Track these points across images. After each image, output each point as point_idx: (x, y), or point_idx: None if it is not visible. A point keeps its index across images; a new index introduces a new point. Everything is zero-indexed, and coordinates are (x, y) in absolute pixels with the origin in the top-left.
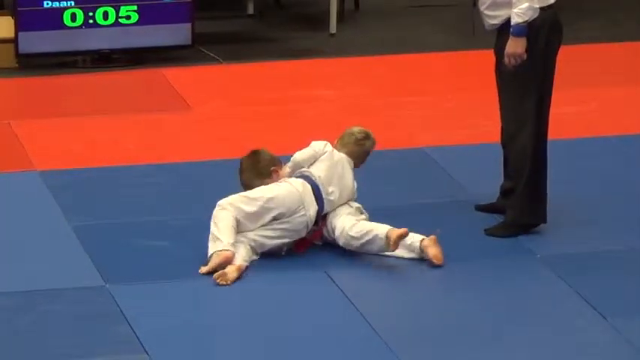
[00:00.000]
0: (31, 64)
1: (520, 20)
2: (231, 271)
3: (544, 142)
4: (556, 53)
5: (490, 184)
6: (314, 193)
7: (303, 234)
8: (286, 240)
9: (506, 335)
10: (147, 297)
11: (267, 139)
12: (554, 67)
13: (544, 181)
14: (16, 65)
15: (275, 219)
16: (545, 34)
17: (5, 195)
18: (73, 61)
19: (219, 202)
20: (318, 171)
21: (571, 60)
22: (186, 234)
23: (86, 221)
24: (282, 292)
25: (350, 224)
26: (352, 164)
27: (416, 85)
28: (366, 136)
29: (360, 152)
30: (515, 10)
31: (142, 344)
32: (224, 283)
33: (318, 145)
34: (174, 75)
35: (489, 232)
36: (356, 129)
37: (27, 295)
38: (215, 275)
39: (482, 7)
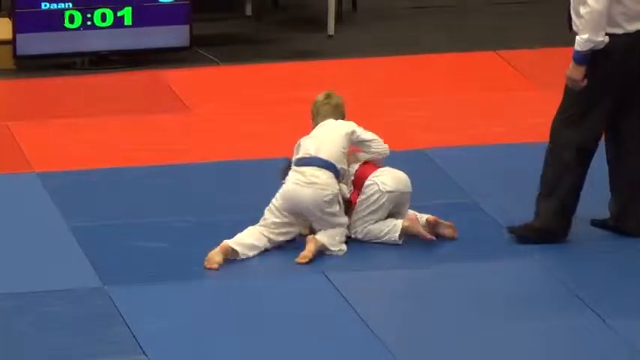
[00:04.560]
0: (29, 65)
1: (579, 48)
2: (214, 253)
3: (581, 164)
4: (623, 81)
5: (489, 185)
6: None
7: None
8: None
9: (504, 336)
10: (145, 298)
11: (266, 141)
12: (618, 94)
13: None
14: (14, 67)
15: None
16: (612, 61)
17: (3, 196)
18: (71, 63)
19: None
20: (304, 149)
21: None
22: (184, 235)
23: (84, 222)
24: (281, 294)
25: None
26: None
27: (415, 86)
28: (327, 95)
29: (330, 110)
30: (577, 37)
31: (140, 345)
32: (209, 266)
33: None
34: (173, 76)
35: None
36: (317, 97)
37: (25, 296)
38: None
39: (572, 10)
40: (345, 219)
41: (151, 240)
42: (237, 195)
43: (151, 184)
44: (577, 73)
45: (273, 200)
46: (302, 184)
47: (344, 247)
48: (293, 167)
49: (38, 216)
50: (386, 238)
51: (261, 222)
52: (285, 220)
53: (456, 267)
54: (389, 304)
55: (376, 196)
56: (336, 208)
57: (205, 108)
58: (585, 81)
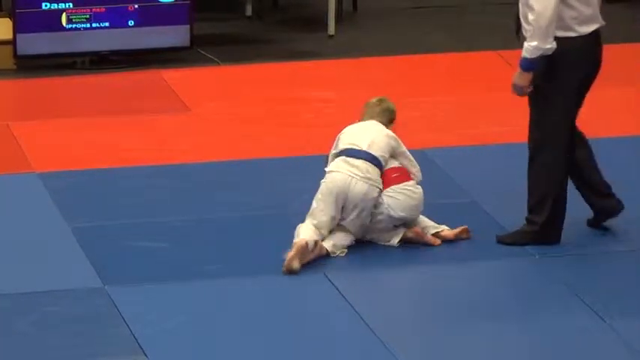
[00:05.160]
0: (30, 65)
1: (527, 55)
2: (292, 258)
3: (559, 165)
4: (580, 83)
5: (490, 185)
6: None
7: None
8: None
9: (504, 336)
10: (146, 298)
11: (266, 141)
12: (577, 96)
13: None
14: (14, 67)
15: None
16: (569, 64)
17: (4, 197)
18: (71, 63)
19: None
20: (343, 143)
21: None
22: (185, 235)
23: (85, 223)
24: (282, 294)
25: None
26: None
27: (415, 86)
28: (380, 99)
29: (378, 111)
30: (525, 44)
31: (140, 346)
32: (289, 271)
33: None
34: (173, 76)
35: (500, 240)
36: (371, 99)
37: (26, 296)
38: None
39: (520, 15)
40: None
41: (151, 240)
42: (237, 195)
43: (151, 184)
44: (523, 79)
45: (319, 196)
46: (356, 177)
47: (345, 249)
48: (341, 157)
49: (38, 216)
50: (385, 243)
51: (311, 220)
52: (333, 214)
53: (456, 267)
54: (389, 304)
55: (382, 217)
56: (372, 211)
57: (205, 108)
58: (531, 87)
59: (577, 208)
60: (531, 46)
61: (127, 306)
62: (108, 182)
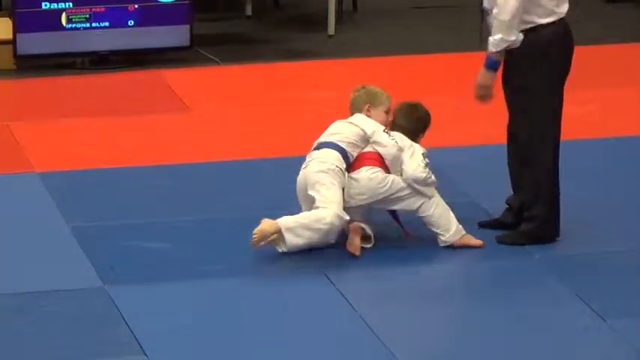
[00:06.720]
0: (30, 65)
1: (493, 49)
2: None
3: (557, 155)
4: (566, 72)
5: (489, 185)
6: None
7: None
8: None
9: (505, 336)
10: (146, 298)
11: (266, 141)
12: (562, 86)
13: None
14: (14, 67)
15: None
16: (559, 47)
17: (4, 196)
18: (71, 63)
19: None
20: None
21: (572, 61)
22: (185, 235)
23: (85, 222)
24: (282, 294)
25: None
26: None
27: (414, 86)
28: (356, 88)
29: (352, 101)
30: (489, 38)
31: (140, 346)
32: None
33: None
34: (173, 76)
35: (500, 240)
36: None
37: (26, 296)
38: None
39: (489, 18)
40: (323, 210)
41: (151, 240)
42: (237, 195)
43: (151, 184)
44: (487, 78)
45: None
46: (310, 163)
47: (296, 241)
48: (308, 155)
49: (39, 216)
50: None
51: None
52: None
53: (456, 266)
54: (389, 303)
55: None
56: (330, 181)
57: (205, 108)
58: (491, 90)
59: (577, 207)
60: (496, 39)
61: (127, 306)
62: (108, 182)
